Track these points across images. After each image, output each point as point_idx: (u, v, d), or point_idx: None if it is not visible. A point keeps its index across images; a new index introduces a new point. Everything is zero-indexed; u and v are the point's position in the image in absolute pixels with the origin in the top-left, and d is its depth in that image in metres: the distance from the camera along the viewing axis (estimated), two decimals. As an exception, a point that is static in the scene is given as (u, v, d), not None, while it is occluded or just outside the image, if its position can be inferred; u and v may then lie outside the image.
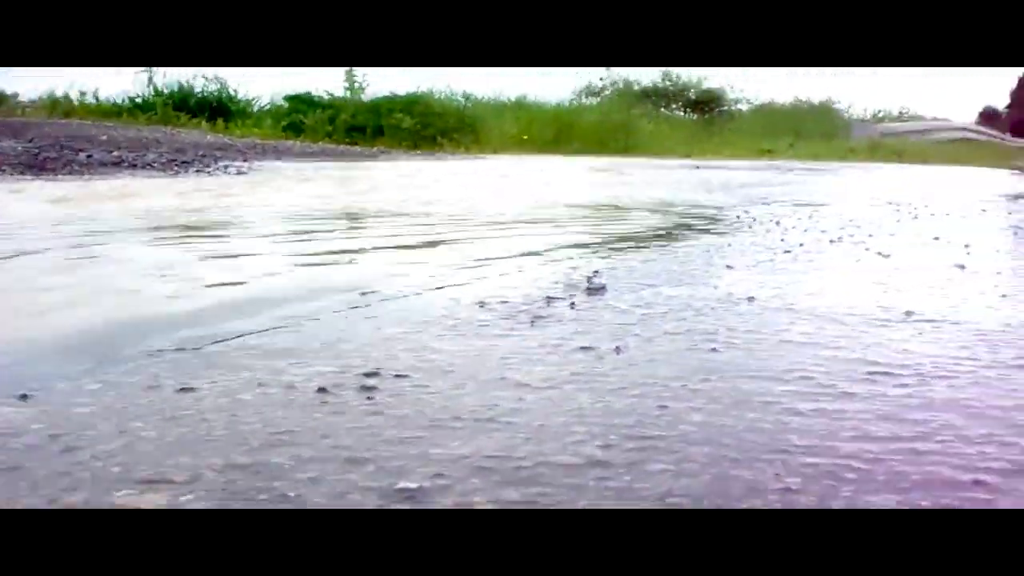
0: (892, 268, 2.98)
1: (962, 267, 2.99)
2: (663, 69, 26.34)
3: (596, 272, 2.80)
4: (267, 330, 1.99)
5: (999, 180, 11.99)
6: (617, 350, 1.84)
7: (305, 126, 19.85)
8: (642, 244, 3.61)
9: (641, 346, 1.89)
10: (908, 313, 2.21)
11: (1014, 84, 67.74)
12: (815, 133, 22.52)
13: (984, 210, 5.55)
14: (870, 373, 1.67)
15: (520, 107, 22.02)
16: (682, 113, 26.35)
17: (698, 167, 12.72)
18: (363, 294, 2.41)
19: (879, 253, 3.32)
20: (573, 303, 2.35)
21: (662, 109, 25.97)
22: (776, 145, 19.94)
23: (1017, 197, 8.27)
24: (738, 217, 4.93)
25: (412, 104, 20.43)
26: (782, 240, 3.70)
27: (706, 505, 1.17)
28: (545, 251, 3.31)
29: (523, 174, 9.66)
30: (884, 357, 1.78)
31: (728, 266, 2.99)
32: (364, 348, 1.85)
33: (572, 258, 3.17)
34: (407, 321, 2.10)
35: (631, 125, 19.70)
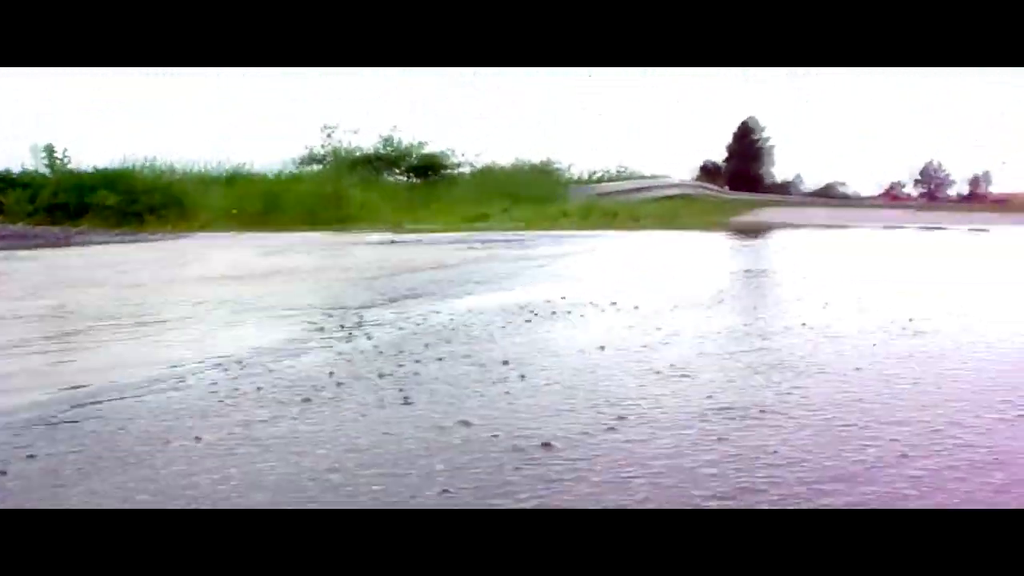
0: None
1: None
2: (383, 135, 26.17)
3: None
4: None
5: (696, 249, 12.22)
6: None
7: (4, 206, 18.43)
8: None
9: None
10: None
11: (730, 139, 73.32)
12: (534, 196, 22.77)
13: (614, 303, 5.30)
14: None
15: (233, 178, 21.30)
16: (404, 179, 26.13)
17: (393, 242, 12.33)
18: None
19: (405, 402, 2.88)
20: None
21: (385, 175, 25.71)
22: (492, 209, 19.96)
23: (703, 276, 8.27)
24: (345, 329, 4.45)
25: (116, 180, 19.31)
26: (319, 390, 3.19)
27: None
28: None
29: (179, 268, 8.90)
30: None
31: (196, 437, 2.45)
32: None
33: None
34: None
35: (342, 195, 19.23)
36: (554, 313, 4.87)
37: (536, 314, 4.80)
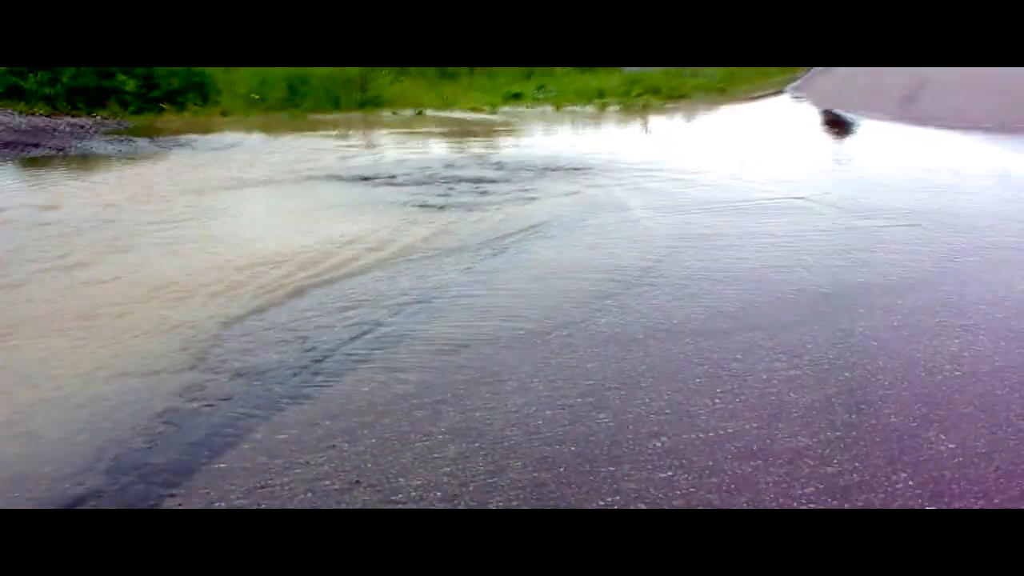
0: None
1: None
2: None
3: None
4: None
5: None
6: None
7: (24, 90, 17.34)
8: None
9: None
10: None
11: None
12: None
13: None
14: None
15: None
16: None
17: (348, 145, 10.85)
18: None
19: None
20: None
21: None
22: (531, 86, 18.13)
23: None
24: None
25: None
26: None
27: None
28: None
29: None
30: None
31: None
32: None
33: None
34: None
35: (367, 79, 17.75)
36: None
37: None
